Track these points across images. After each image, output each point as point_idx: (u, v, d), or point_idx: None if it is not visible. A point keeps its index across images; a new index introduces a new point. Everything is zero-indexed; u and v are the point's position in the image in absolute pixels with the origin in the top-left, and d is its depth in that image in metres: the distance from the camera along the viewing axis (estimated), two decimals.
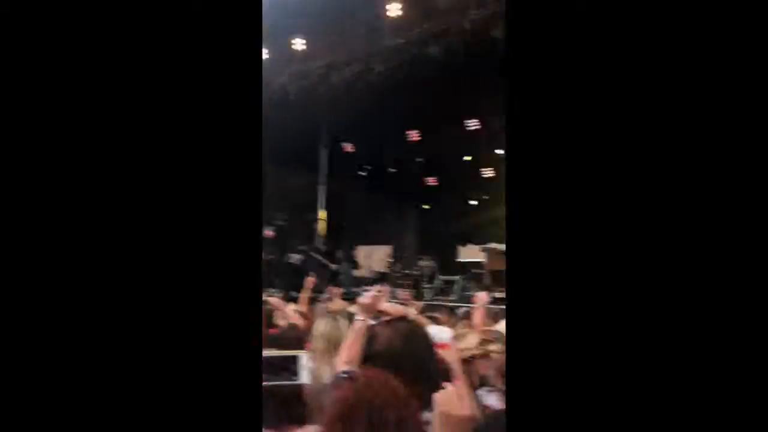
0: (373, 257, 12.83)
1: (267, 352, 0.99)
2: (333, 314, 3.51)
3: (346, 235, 13.97)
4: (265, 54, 11.42)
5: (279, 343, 2.74)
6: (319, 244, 12.02)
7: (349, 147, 13.57)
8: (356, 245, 13.58)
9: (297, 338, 2.88)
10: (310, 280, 4.98)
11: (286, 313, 3.72)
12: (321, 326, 2.76)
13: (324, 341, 2.66)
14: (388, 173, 14.42)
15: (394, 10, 8.76)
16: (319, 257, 11.20)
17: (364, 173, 14.27)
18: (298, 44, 11.10)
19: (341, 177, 12.93)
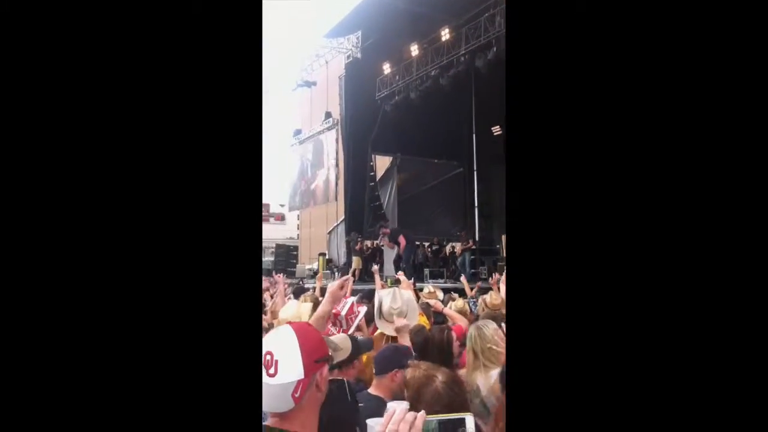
0: None
1: (431, 417, 0.91)
2: (488, 313, 3.30)
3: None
4: (414, 50, 11.69)
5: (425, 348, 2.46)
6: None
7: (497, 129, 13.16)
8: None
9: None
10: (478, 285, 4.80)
11: (452, 315, 3.53)
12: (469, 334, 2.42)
13: (471, 354, 2.34)
14: None
15: None
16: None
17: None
18: (444, 34, 10.99)
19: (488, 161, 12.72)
